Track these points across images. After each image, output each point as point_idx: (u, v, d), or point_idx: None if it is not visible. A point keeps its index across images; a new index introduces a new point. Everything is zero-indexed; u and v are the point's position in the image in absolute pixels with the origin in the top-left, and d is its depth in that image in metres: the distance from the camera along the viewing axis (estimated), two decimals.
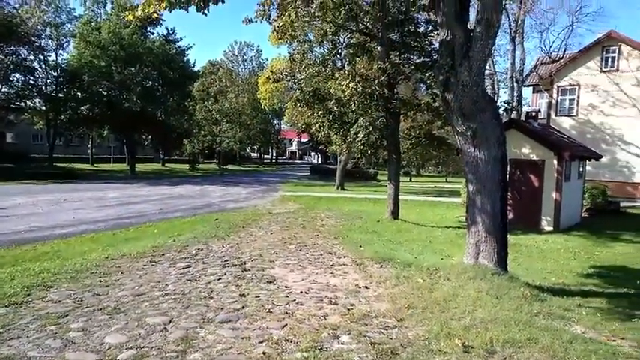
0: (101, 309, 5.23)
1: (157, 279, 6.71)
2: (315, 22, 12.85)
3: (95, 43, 35.55)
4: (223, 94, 56.99)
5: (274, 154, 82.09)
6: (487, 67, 26.97)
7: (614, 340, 4.68)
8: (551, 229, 14.95)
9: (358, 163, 42.45)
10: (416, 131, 16.83)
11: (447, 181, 40.94)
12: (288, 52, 15.33)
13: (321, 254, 8.90)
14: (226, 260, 8.10)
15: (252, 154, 78.63)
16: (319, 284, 6.61)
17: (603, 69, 24.73)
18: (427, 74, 13.28)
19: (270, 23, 12.27)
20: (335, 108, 14.91)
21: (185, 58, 44.79)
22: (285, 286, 6.44)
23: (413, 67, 13.83)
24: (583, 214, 17.54)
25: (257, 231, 11.80)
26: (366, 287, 6.46)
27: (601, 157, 19.57)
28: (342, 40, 14.34)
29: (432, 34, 13.03)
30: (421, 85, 16.33)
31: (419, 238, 12.63)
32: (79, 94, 37.93)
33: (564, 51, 26.38)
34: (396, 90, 14.97)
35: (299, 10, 11.24)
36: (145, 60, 38.00)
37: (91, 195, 20.80)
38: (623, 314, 5.97)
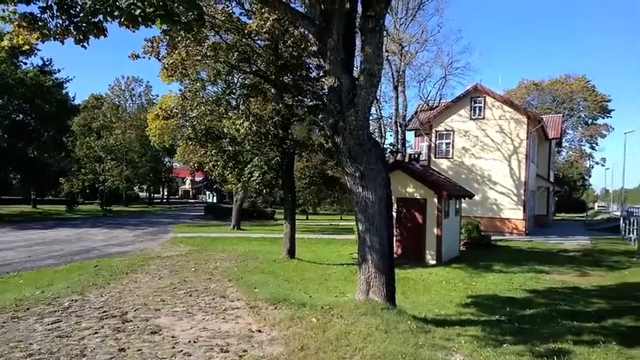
0: None
1: (19, 338, 5.82)
2: (207, 62, 12.77)
3: None
4: (108, 130, 53.35)
5: (166, 194, 77.98)
6: (374, 112, 29.04)
7: None
8: (434, 262, 16.07)
9: (255, 201, 42.09)
10: (310, 171, 17.30)
11: (341, 219, 42.28)
12: (180, 90, 15.01)
13: (213, 299, 8.49)
14: (105, 311, 7.32)
15: (140, 194, 73.75)
16: (210, 331, 6.25)
17: (472, 117, 28.11)
18: (319, 117, 13.85)
19: (159, 60, 11.96)
20: (229, 147, 14.76)
21: (64, 91, 41.42)
22: (172, 336, 5.98)
23: (306, 109, 14.34)
24: (461, 248, 19.19)
25: (143, 277, 10.93)
26: (260, 331, 6.26)
27: (474, 195, 21.86)
28: (236, 80, 14.41)
29: (323, 79, 13.74)
30: (315, 126, 16.94)
31: (315, 277, 12.71)
32: None
33: (440, 100, 29.48)
34: (290, 130, 15.32)
35: (190, 48, 11.12)
36: (15, 92, 34.33)
37: None
38: (496, 341, 6.52)
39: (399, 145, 27.59)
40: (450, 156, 28.68)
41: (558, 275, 14.46)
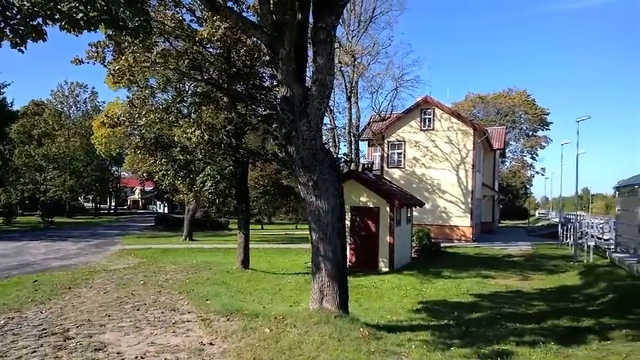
0: None
1: None
2: (156, 68, 12.42)
3: None
4: (50, 138, 50.59)
5: (113, 204, 74.75)
6: (328, 122, 29.38)
7: None
8: (387, 269, 16.36)
9: (208, 211, 41.23)
10: (264, 180, 17.20)
11: (297, 228, 42.20)
12: (127, 97, 14.49)
13: (163, 312, 8.22)
14: (45, 329, 6.90)
15: (85, 205, 70.25)
16: (158, 346, 6.04)
17: (422, 128, 29.04)
18: (273, 126, 13.83)
19: (105, 66, 11.52)
20: (180, 156, 14.40)
21: (0, 96, 38.98)
22: (118, 353, 5.73)
23: (259, 118, 14.27)
24: (413, 255, 19.66)
25: (87, 291, 10.41)
26: (211, 344, 6.12)
27: (424, 203, 22.52)
28: (187, 88, 14.11)
29: (277, 89, 13.75)
30: (269, 136, 16.88)
31: (269, 287, 12.59)
32: None
33: (391, 111, 30.29)
34: (243, 140, 15.18)
35: (138, 55, 10.78)
36: None
37: None
38: (445, 344, 6.71)
39: (353, 155, 28.02)
40: (402, 166, 29.44)
41: (502, 280, 15.12)
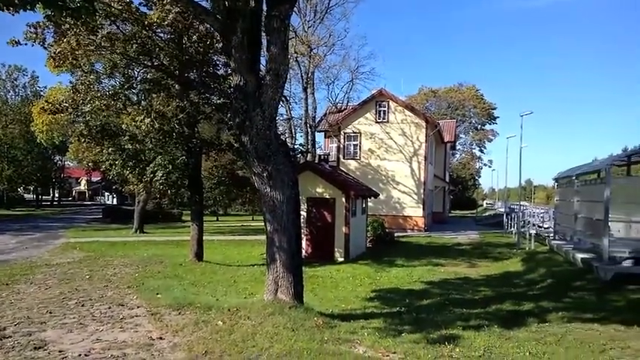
0: None
1: None
2: (102, 52, 11.78)
3: None
4: None
5: (57, 195, 70.94)
6: (285, 112, 29.20)
7: (387, 356, 5.34)
8: (343, 259, 16.58)
9: (160, 203, 40.01)
10: (219, 171, 16.84)
11: (253, 219, 41.80)
12: (71, 82, 13.67)
13: (110, 307, 7.92)
14: None
15: (26, 196, 66.22)
16: (104, 343, 5.82)
17: (378, 120, 29.47)
18: (227, 116, 13.55)
19: (45, 48, 10.80)
20: (129, 145, 13.81)
21: None
22: (60, 351, 5.47)
23: (213, 107, 13.92)
24: (368, 245, 20.01)
25: (26, 287, 9.86)
26: (161, 338, 5.97)
27: (379, 194, 22.93)
28: (136, 74, 13.49)
29: (231, 77, 13.40)
30: (224, 125, 16.53)
31: (223, 279, 12.43)
32: None
33: (347, 103, 30.49)
34: (197, 129, 14.78)
35: (81, 37, 10.17)
36: None
37: None
38: (396, 331, 6.91)
39: (309, 146, 28.02)
40: (358, 157, 29.79)
41: (452, 267, 15.72)
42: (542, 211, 36.48)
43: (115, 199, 65.26)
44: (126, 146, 14.13)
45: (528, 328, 7.32)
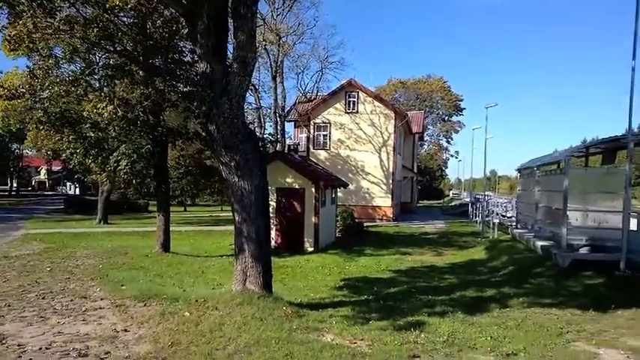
0: None
1: None
2: (61, 36, 11.21)
3: None
4: None
5: (15, 185, 67.97)
6: (254, 101, 28.88)
7: (355, 343, 5.41)
8: (312, 249, 16.64)
9: (125, 193, 38.94)
10: (186, 160, 16.48)
11: (222, 210, 41.31)
12: (28, 67, 12.99)
13: (72, 300, 7.69)
14: None
15: None
16: (66, 336, 5.65)
17: (347, 111, 29.55)
18: (194, 104, 13.26)
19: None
20: (91, 133, 13.30)
21: None
22: (19, 345, 5.27)
23: (180, 95, 13.57)
24: (337, 234, 20.15)
25: None
26: (126, 330, 5.84)
27: (348, 184, 23.09)
28: (97, 59, 12.94)
29: (198, 65, 13.07)
30: (191, 114, 16.18)
31: (191, 270, 12.27)
32: None
33: (317, 92, 30.41)
34: (162, 117, 14.39)
35: (38, 20, 9.64)
36: None
37: None
38: (363, 319, 7.01)
39: (279, 136, 27.85)
40: (328, 147, 29.84)
41: (419, 256, 16.06)
42: (506, 200, 37.71)
43: (77, 190, 63.07)
44: (87, 134, 13.61)
45: (490, 314, 7.57)
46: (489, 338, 5.83)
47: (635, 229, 10.63)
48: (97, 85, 13.43)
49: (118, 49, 12.29)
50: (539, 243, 12.94)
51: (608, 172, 11.31)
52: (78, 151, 13.92)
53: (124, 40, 12.28)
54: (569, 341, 5.83)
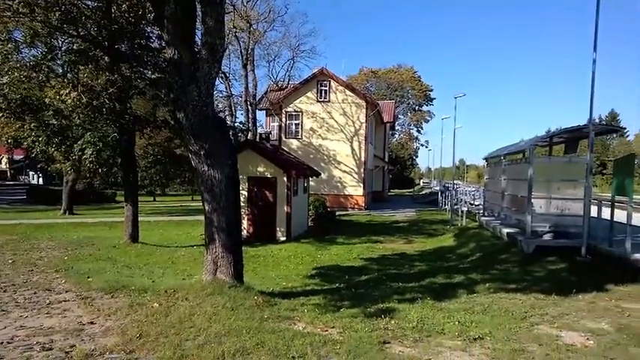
0: None
1: None
2: (21, 19, 10.65)
3: None
4: None
5: None
6: (225, 89, 28.41)
7: (326, 331, 5.46)
8: (285, 238, 16.65)
9: (92, 183, 37.84)
10: (154, 149, 16.08)
11: (193, 199, 40.71)
12: None
13: (35, 293, 7.43)
14: None
15: None
16: (29, 329, 5.46)
17: (319, 99, 29.47)
18: (163, 91, 12.91)
19: None
20: (54, 120, 12.79)
21: None
22: None
23: (147, 82, 13.18)
24: (309, 223, 20.21)
25: None
26: (92, 323, 5.70)
27: (320, 174, 23.10)
28: (60, 44, 12.38)
29: (165, 51, 12.67)
30: (159, 101, 15.78)
31: (160, 261, 12.08)
32: None
33: (289, 81, 30.18)
34: (129, 105, 13.97)
35: None
36: None
37: None
38: (335, 306, 7.08)
39: (250, 125, 27.55)
40: (300, 136, 29.74)
41: (390, 244, 16.31)
42: (474, 189, 38.61)
43: (41, 179, 60.84)
44: (50, 122, 13.08)
45: (458, 299, 7.77)
46: (457, 323, 5.99)
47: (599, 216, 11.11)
48: (60, 70, 12.87)
49: (81, 33, 11.79)
50: (505, 230, 13.34)
51: (570, 161, 11.70)
52: (40, 139, 13.37)
53: (87, 25, 11.78)
54: (532, 325, 6.04)
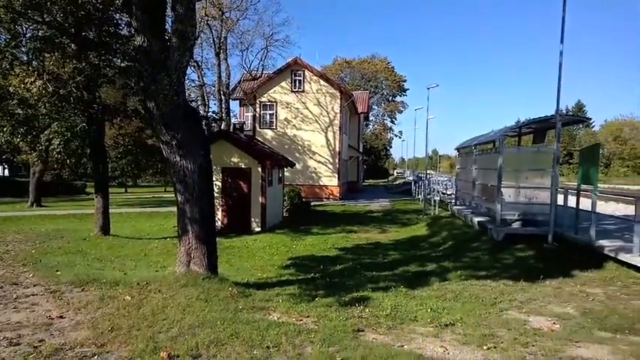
0: None
1: None
2: None
3: None
4: None
5: None
6: (197, 78, 27.92)
7: (301, 320, 5.50)
8: (259, 229, 16.59)
9: (60, 174, 36.73)
10: (125, 139, 15.67)
11: (165, 190, 40.08)
12: None
13: (1, 287, 7.19)
14: None
15: None
16: None
17: (293, 89, 29.30)
18: (133, 80, 12.57)
19: None
20: (18, 110, 12.31)
21: None
22: None
23: (117, 70, 12.81)
24: (284, 214, 20.19)
25: None
26: (62, 317, 5.57)
27: (295, 164, 23.06)
28: (24, 30, 11.86)
29: (134, 38, 12.29)
30: (129, 90, 15.37)
31: (132, 253, 11.88)
32: None
33: (262, 70, 29.92)
34: (98, 94, 13.56)
35: None
36: None
37: None
38: (310, 296, 7.13)
39: (224, 114, 27.21)
40: (274, 127, 29.56)
41: (364, 233, 16.47)
42: (446, 179, 39.29)
43: (6, 171, 58.58)
44: (15, 111, 12.58)
45: (431, 287, 7.95)
46: (429, 310, 6.13)
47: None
48: (25, 58, 12.34)
49: (46, 19, 11.31)
50: (476, 219, 13.66)
51: (538, 150, 12.04)
52: (4, 129, 12.86)
53: (53, 11, 11.30)
54: (502, 310, 6.24)
